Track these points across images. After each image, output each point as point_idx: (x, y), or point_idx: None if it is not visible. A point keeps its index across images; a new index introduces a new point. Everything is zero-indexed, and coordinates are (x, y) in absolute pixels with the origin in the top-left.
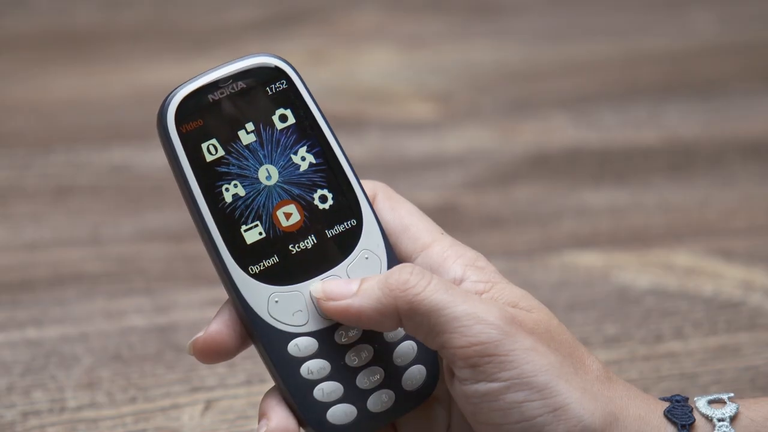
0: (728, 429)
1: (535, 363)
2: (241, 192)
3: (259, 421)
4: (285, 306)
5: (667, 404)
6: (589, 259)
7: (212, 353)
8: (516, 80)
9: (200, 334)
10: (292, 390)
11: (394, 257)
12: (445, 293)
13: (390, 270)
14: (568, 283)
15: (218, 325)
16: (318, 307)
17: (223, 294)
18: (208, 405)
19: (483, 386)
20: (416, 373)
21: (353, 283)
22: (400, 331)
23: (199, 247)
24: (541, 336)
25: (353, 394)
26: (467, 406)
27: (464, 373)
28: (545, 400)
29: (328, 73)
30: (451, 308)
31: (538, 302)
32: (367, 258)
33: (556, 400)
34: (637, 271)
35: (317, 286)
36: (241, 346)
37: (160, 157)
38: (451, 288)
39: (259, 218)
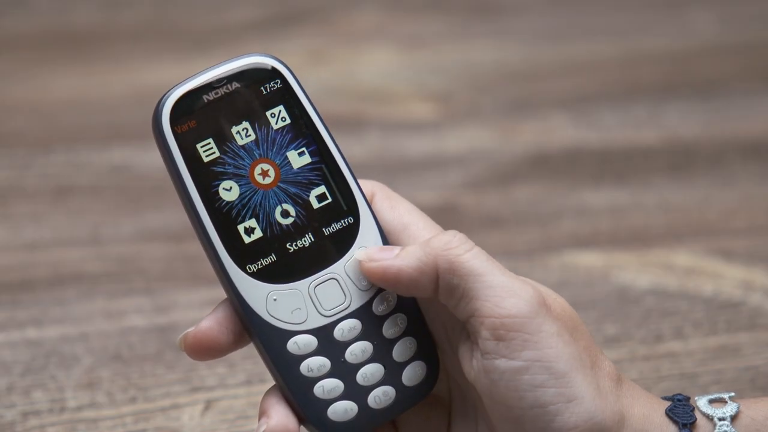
0: (729, 428)
1: (557, 349)
2: (238, 191)
3: (260, 419)
4: (283, 304)
5: (668, 403)
6: (589, 259)
7: (202, 349)
8: (516, 80)
9: (191, 329)
10: (293, 388)
11: None
12: (485, 261)
13: (432, 236)
14: (568, 283)
15: (210, 322)
16: (360, 273)
17: (223, 294)
18: (208, 405)
19: (503, 363)
20: (416, 369)
21: (395, 249)
22: (401, 328)
23: (199, 247)
24: (566, 324)
25: (354, 391)
26: (486, 381)
27: (488, 345)
28: (561, 389)
29: (328, 73)
30: (489, 276)
31: (554, 291)
32: None
33: (572, 391)
34: (637, 271)
35: (361, 251)
36: (234, 345)
37: (160, 157)
38: (490, 259)
39: (256, 217)
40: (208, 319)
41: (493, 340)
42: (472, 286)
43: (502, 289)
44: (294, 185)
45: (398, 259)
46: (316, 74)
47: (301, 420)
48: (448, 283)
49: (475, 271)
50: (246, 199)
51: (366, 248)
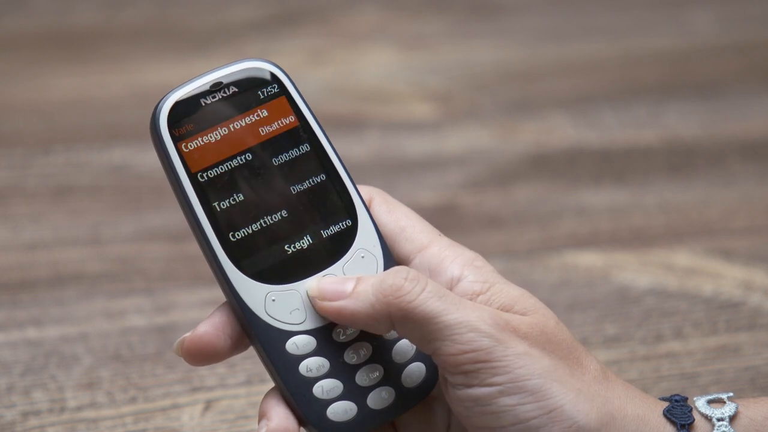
0: (727, 428)
1: (528, 367)
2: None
3: (260, 421)
4: (282, 304)
5: (666, 404)
6: (589, 259)
7: (199, 355)
8: (516, 80)
9: (188, 334)
10: (292, 388)
11: (390, 257)
12: (439, 300)
13: (385, 273)
14: (568, 283)
15: (206, 327)
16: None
17: (223, 295)
18: (208, 405)
19: (476, 391)
20: (415, 370)
21: (349, 283)
22: None
23: (199, 248)
24: (536, 339)
25: (353, 392)
26: (461, 410)
27: (457, 378)
28: (539, 403)
29: (328, 73)
30: (444, 316)
31: (535, 302)
32: (363, 257)
33: (550, 402)
34: (637, 271)
35: (313, 283)
36: (231, 350)
37: None
38: (444, 295)
39: (254, 219)
40: (205, 324)
41: (461, 374)
42: (429, 329)
43: (459, 326)
44: (292, 188)
45: (351, 302)
46: (316, 74)
47: (301, 421)
48: (404, 327)
49: (429, 315)
50: (244, 200)
51: (318, 281)
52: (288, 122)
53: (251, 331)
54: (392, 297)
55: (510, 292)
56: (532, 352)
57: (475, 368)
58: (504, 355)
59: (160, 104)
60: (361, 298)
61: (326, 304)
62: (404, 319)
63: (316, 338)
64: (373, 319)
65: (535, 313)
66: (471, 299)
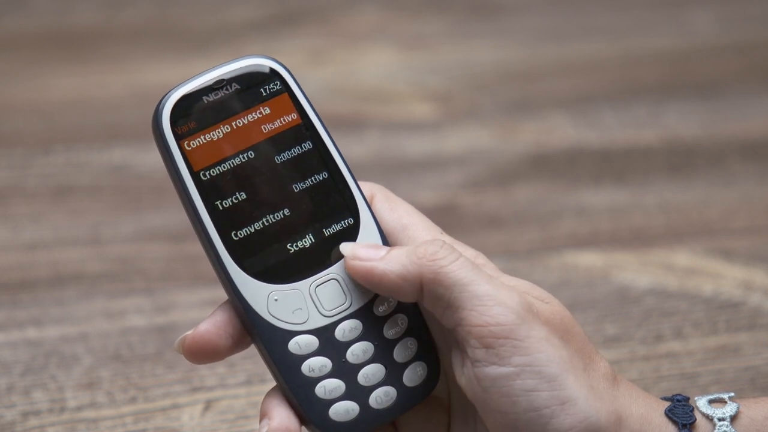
0: (728, 428)
1: (547, 353)
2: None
3: (261, 420)
4: (284, 304)
5: (668, 404)
6: (589, 259)
7: (200, 353)
8: (516, 80)
9: (189, 332)
10: (294, 388)
11: None
12: (471, 271)
13: (420, 242)
14: (568, 283)
15: (208, 326)
16: (344, 267)
17: (223, 294)
18: (208, 405)
19: (494, 369)
20: (417, 369)
21: (382, 249)
22: (401, 328)
23: (200, 247)
24: (555, 327)
25: (355, 391)
26: (477, 389)
27: (477, 353)
28: (554, 392)
29: (328, 73)
30: (474, 286)
31: (548, 293)
32: None
33: (564, 393)
34: (637, 271)
35: (347, 245)
36: (232, 348)
37: (160, 157)
38: (476, 267)
39: (256, 218)
40: (206, 323)
41: (482, 348)
42: (457, 296)
43: (487, 298)
44: (295, 186)
45: (383, 263)
46: (316, 74)
47: (303, 421)
48: (433, 293)
49: (461, 281)
50: (246, 199)
51: (353, 243)
52: (290, 120)
53: (253, 331)
54: (426, 260)
55: (518, 281)
56: (552, 338)
57: (498, 344)
58: (527, 336)
59: (162, 102)
60: (394, 260)
61: (357, 263)
62: (435, 282)
63: (318, 338)
64: (404, 280)
65: (552, 302)
66: None
